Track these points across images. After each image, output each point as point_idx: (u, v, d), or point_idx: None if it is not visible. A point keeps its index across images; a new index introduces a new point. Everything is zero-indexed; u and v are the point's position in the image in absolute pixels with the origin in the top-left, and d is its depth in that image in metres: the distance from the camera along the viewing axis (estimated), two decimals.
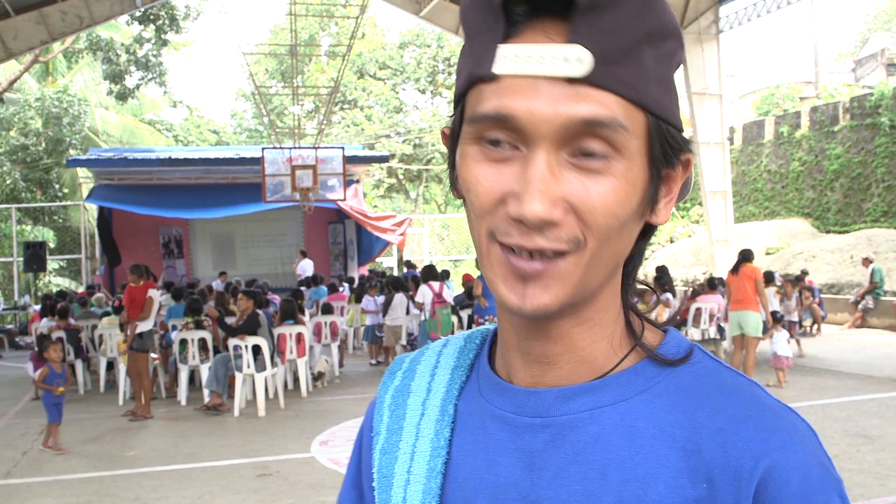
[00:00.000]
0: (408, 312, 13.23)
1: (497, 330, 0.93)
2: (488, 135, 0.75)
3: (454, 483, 0.87)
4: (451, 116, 0.83)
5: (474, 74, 0.76)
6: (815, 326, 16.41)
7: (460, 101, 0.80)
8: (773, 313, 11.25)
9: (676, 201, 0.83)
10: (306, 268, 20.04)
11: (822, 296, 17.56)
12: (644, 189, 0.78)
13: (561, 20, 0.72)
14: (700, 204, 23.73)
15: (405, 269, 18.79)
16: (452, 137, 0.82)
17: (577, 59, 0.71)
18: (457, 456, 0.88)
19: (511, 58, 0.73)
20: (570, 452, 0.80)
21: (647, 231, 0.84)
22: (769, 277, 15.80)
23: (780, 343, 10.69)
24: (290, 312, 11.13)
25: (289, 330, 10.82)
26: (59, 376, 8.40)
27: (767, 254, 23.00)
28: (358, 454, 1.00)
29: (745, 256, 11.00)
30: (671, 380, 0.82)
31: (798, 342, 13.59)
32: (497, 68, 0.73)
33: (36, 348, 11.91)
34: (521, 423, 0.83)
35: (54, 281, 28.28)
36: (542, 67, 0.71)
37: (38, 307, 17.21)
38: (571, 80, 0.71)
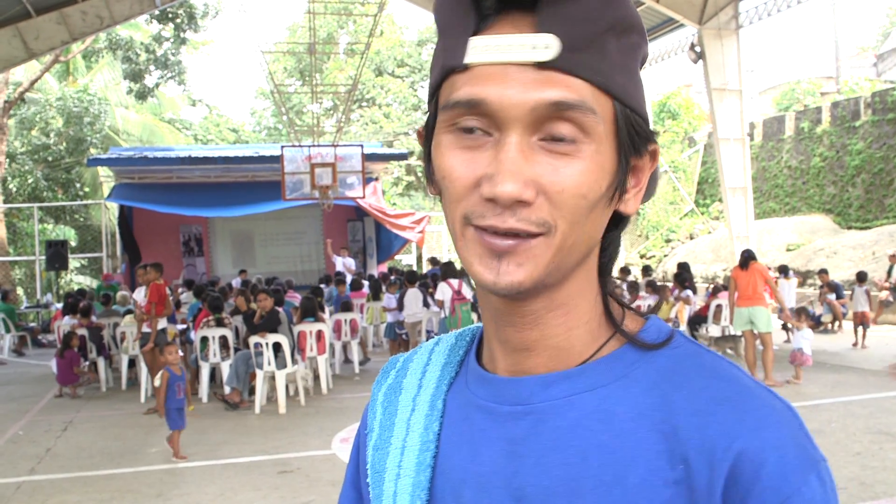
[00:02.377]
0: (427, 306, 13.18)
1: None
2: (461, 121, 0.78)
3: (442, 475, 0.89)
4: (426, 113, 0.86)
5: (447, 66, 0.79)
6: (837, 323, 16.30)
7: (434, 94, 0.83)
8: (802, 309, 11.19)
9: (645, 195, 0.85)
10: (346, 264, 20.02)
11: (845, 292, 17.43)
12: (612, 174, 0.80)
13: (528, 13, 0.76)
14: (720, 200, 23.63)
15: (430, 266, 18.74)
16: (427, 132, 0.85)
17: (544, 45, 0.74)
18: (445, 448, 0.90)
19: (481, 48, 0.76)
20: (551, 438, 0.81)
21: (619, 221, 0.87)
22: (784, 270, 15.81)
23: (804, 340, 10.62)
24: (311, 309, 11.16)
25: (309, 327, 10.85)
26: (180, 379, 7.87)
27: (788, 250, 22.87)
28: (356, 454, 1.03)
29: (751, 255, 10.98)
30: (651, 364, 0.83)
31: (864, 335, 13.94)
32: (468, 58, 0.77)
33: (59, 346, 12.05)
34: (503, 412, 0.85)
35: (76, 279, 28.52)
36: (512, 55, 0.75)
37: (60, 305, 17.36)
38: (540, 66, 0.75)
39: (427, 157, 0.86)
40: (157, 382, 7.92)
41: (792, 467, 0.73)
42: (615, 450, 0.78)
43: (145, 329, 10.20)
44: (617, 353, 0.84)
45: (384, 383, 1.01)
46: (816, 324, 14.71)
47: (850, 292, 15.61)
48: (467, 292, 12.45)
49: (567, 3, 0.75)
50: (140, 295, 10.51)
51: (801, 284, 20.32)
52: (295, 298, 13.39)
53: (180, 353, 11.45)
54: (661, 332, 0.86)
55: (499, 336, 0.87)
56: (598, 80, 0.77)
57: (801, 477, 0.73)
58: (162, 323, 10.19)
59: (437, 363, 0.98)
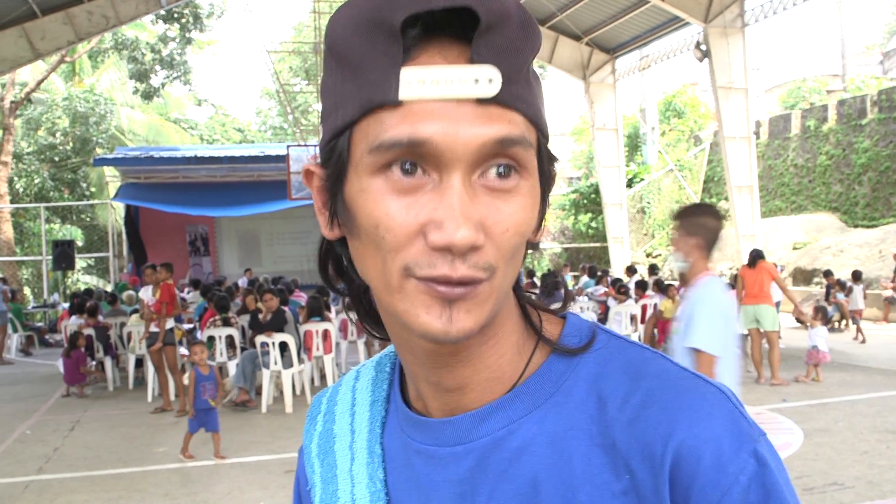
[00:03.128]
0: None
1: None
2: (398, 162, 0.72)
3: None
4: (329, 149, 0.78)
5: (374, 101, 0.71)
6: (844, 322, 16.28)
7: (343, 132, 0.75)
8: (819, 307, 11.18)
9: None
10: None
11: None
12: (539, 205, 0.78)
13: (455, 41, 0.71)
14: (726, 199, 23.61)
15: None
16: (336, 173, 0.77)
17: (487, 79, 0.70)
18: (394, 495, 0.88)
19: (416, 82, 0.70)
20: (497, 472, 0.80)
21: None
22: (856, 276, 15.91)
23: (820, 338, 10.61)
24: (318, 309, 11.18)
25: (315, 327, 10.86)
26: (207, 378, 7.71)
27: (794, 248, 22.85)
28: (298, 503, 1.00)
29: (760, 254, 10.98)
30: (578, 374, 0.81)
31: (859, 329, 13.96)
32: (403, 93, 0.70)
33: (66, 346, 12.08)
34: (443, 454, 0.83)
35: (83, 279, 28.59)
36: (452, 89, 0.70)
37: (66, 305, 17.39)
38: (480, 102, 0.70)
39: (330, 200, 0.80)
40: (185, 381, 7.84)
41: (728, 456, 0.72)
42: (561, 471, 0.77)
43: (153, 329, 10.21)
44: (544, 369, 0.82)
45: (314, 432, 0.97)
46: (826, 322, 14.69)
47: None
48: None
49: (496, 34, 0.70)
50: (147, 294, 10.51)
51: (808, 283, 20.31)
52: (301, 298, 13.40)
53: (186, 353, 11.54)
54: (582, 332, 0.85)
55: (429, 379, 0.83)
56: (530, 113, 0.74)
57: (739, 464, 0.72)
58: (169, 323, 10.21)
59: (364, 402, 0.94)
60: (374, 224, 0.72)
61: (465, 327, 0.72)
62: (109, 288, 22.09)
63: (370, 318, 0.90)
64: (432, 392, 0.84)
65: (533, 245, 0.82)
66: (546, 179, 0.79)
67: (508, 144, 0.71)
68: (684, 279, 4.25)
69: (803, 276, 21.11)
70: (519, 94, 0.73)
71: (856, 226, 23.35)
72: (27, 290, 27.02)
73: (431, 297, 0.72)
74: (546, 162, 0.79)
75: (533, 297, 0.89)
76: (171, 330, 10.15)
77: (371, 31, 0.71)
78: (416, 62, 0.71)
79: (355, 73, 0.73)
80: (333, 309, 13.04)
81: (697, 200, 29.02)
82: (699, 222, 4.09)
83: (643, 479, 0.74)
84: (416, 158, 0.71)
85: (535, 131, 0.76)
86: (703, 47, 17.48)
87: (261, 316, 10.43)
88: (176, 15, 23.38)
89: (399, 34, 0.70)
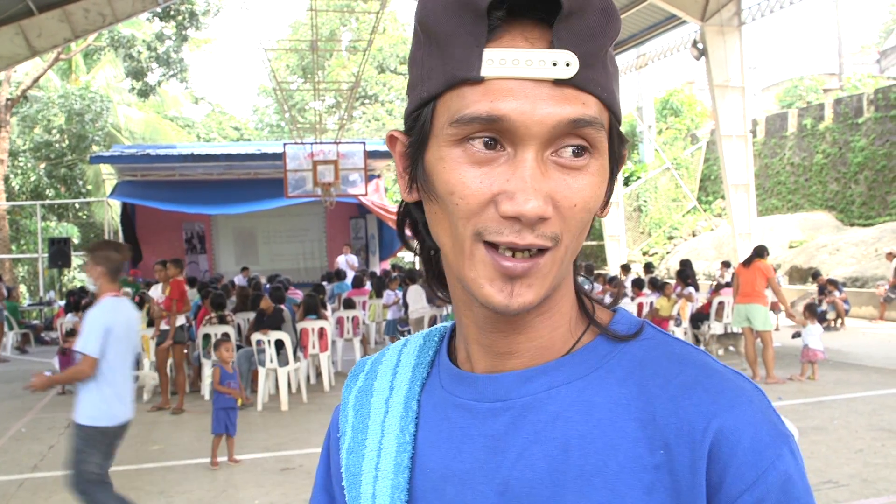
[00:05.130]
0: (431, 303, 13.15)
1: (454, 326, 0.97)
2: (477, 135, 0.76)
3: (422, 474, 0.90)
4: (413, 118, 0.83)
5: (458, 77, 0.77)
6: (839, 320, 16.31)
7: (427, 103, 0.81)
8: (809, 305, 11.17)
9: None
10: (349, 261, 20.05)
11: (846, 289, 17.46)
12: (607, 184, 0.83)
13: (537, 25, 0.76)
14: (723, 197, 23.63)
15: None
16: (418, 141, 0.83)
17: (565, 62, 0.75)
18: (423, 448, 0.91)
19: (498, 61, 0.75)
20: (532, 432, 0.83)
21: None
22: None
23: (813, 336, 10.61)
24: (313, 307, 11.17)
25: (311, 325, 10.86)
26: (231, 377, 7.68)
27: (791, 247, 22.86)
28: (326, 457, 1.04)
29: (759, 252, 10.94)
30: (623, 355, 0.85)
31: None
32: (485, 71, 0.75)
33: (61, 343, 12.07)
34: (482, 409, 0.87)
35: (79, 277, 28.55)
36: (531, 70, 0.75)
37: (62, 303, 17.38)
38: (557, 83, 0.75)
39: (412, 166, 0.85)
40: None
41: (765, 443, 0.77)
42: (595, 439, 0.80)
43: (163, 326, 10.18)
44: (591, 346, 0.87)
45: (354, 386, 1.02)
46: (820, 321, 14.70)
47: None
48: None
49: (577, 19, 0.75)
50: (157, 292, 10.49)
51: (805, 281, 20.33)
52: (297, 295, 13.40)
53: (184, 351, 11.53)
54: (632, 323, 0.89)
55: (481, 340, 0.88)
56: (604, 97, 0.79)
57: (775, 451, 0.77)
58: (180, 320, 10.17)
59: (408, 364, 0.98)
60: (450, 191, 0.78)
61: (525, 301, 0.78)
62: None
63: (436, 280, 0.96)
64: (483, 353, 0.88)
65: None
66: (616, 159, 0.84)
67: (581, 125, 0.76)
68: (95, 297, 5.32)
69: (799, 275, 21.13)
70: (594, 78, 0.77)
71: (852, 224, 23.37)
72: (23, 288, 26.99)
73: (495, 271, 0.77)
74: (617, 143, 0.83)
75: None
76: (182, 328, 10.12)
77: (459, 10, 0.76)
78: (499, 42, 0.76)
79: (442, 48, 0.78)
80: (329, 307, 13.05)
81: (694, 199, 29.04)
82: (104, 255, 4.93)
83: (679, 455, 0.77)
84: (493, 133, 0.76)
85: (607, 113, 0.80)
86: (700, 46, 17.47)
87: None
88: (172, 13, 23.34)
89: (485, 15, 0.75)
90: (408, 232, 0.96)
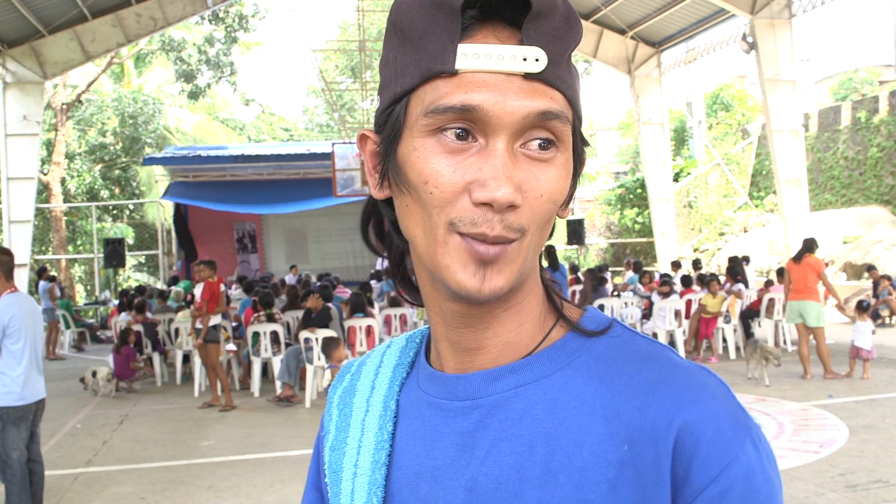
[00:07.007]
0: None
1: None
2: (450, 126, 0.80)
3: (398, 471, 0.92)
4: (386, 115, 0.86)
5: (432, 70, 0.80)
6: (894, 317, 15.99)
7: (401, 99, 0.84)
8: (860, 302, 10.95)
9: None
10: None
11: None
12: (571, 179, 0.86)
13: (507, 26, 0.80)
14: (774, 193, 23.25)
15: None
16: (391, 136, 0.85)
17: (534, 58, 0.79)
18: (400, 446, 0.93)
19: (471, 55, 0.79)
20: (499, 430, 0.85)
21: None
22: None
23: (862, 334, 10.34)
24: (360, 305, 11.26)
25: (358, 323, 10.94)
26: None
27: (845, 242, 22.45)
28: (316, 456, 1.06)
29: (808, 246, 10.75)
30: (591, 352, 0.87)
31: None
32: (459, 64, 0.79)
33: (116, 342, 12.32)
34: (453, 408, 0.89)
35: (133, 276, 29.06)
36: (503, 64, 0.79)
37: (117, 302, 17.71)
38: (527, 77, 0.79)
39: (382, 161, 0.87)
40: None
41: (728, 436, 0.78)
42: (560, 437, 0.82)
43: (198, 325, 10.36)
44: (559, 344, 0.88)
45: (339, 387, 1.05)
46: (874, 318, 14.42)
47: None
48: None
49: (545, 20, 0.79)
50: (199, 291, 10.69)
51: (859, 277, 19.96)
52: (345, 293, 13.52)
53: (234, 348, 11.70)
54: (600, 321, 0.91)
55: (449, 337, 0.90)
56: (570, 94, 0.83)
57: (738, 444, 0.78)
58: (215, 319, 10.32)
59: (389, 365, 1.02)
60: (424, 180, 0.81)
61: (495, 286, 0.80)
62: (160, 285, 22.43)
63: (405, 284, 0.99)
64: (451, 351, 0.91)
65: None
66: (578, 159, 0.87)
67: (549, 117, 0.80)
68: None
69: (854, 271, 20.73)
70: (561, 76, 0.82)
71: None
72: (80, 288, 27.55)
73: (469, 256, 0.80)
74: (579, 142, 0.87)
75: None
76: (215, 327, 10.26)
77: (434, 9, 0.80)
78: (472, 40, 0.80)
79: (416, 45, 0.82)
80: (377, 305, 13.13)
81: (745, 194, 28.65)
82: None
83: (644, 450, 0.79)
84: (465, 124, 0.80)
85: (571, 112, 0.84)
86: (750, 39, 17.22)
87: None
88: (221, 15, 23.64)
89: (459, 13, 0.79)
90: (372, 235, 1.00)
